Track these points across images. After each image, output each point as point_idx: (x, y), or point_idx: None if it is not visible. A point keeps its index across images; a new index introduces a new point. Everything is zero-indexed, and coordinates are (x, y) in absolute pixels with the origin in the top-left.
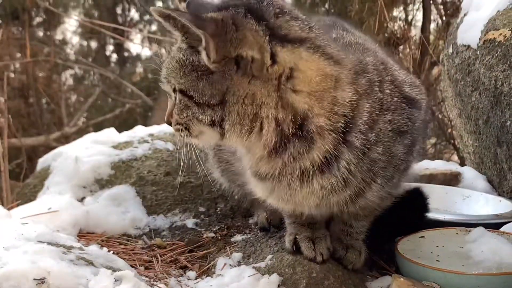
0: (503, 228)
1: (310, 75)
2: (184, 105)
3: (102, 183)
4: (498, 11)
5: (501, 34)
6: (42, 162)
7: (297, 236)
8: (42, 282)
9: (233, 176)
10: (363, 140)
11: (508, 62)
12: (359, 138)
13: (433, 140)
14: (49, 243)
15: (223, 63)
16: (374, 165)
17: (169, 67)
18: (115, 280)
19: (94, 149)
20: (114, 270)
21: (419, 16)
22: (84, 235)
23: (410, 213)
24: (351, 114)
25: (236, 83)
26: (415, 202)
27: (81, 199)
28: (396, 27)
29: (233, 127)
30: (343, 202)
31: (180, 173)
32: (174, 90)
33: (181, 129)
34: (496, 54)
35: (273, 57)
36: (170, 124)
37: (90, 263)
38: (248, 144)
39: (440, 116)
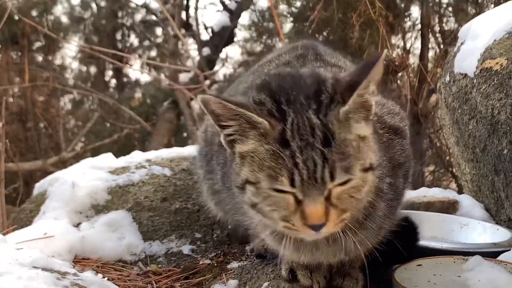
0: (500, 257)
1: None
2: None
3: (99, 209)
4: (495, 40)
5: (497, 63)
6: (38, 187)
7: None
8: None
9: (226, 207)
10: (388, 184)
11: (504, 91)
12: (385, 183)
13: (431, 168)
14: (44, 269)
15: None
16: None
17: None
18: None
19: (91, 174)
20: None
21: (417, 44)
22: (80, 261)
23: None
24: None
25: None
26: (405, 231)
27: (77, 225)
28: (394, 55)
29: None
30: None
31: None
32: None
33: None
34: (493, 83)
35: None
36: (318, 228)
37: None
38: None
39: (438, 143)
